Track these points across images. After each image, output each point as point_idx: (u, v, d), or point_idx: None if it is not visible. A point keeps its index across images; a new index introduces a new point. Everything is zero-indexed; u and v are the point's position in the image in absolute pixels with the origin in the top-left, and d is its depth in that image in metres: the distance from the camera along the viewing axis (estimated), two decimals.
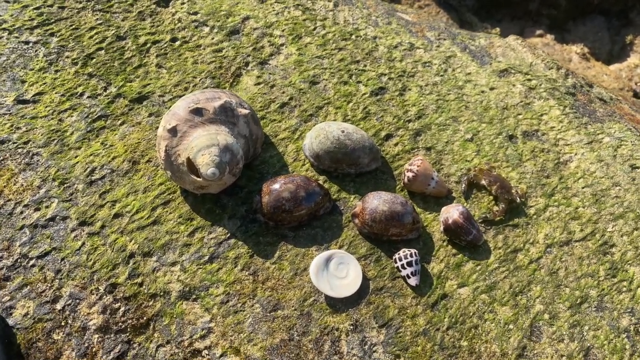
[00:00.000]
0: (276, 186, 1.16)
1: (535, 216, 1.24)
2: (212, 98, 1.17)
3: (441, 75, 1.50)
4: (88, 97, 1.32)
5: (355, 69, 1.47)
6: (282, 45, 1.50)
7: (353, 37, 1.56)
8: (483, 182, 1.25)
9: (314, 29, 1.55)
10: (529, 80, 1.52)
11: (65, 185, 1.19)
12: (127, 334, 1.05)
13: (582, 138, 1.40)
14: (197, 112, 1.14)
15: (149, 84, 1.36)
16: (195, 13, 1.52)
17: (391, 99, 1.42)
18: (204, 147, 1.09)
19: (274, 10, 1.57)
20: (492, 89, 1.48)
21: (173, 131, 1.13)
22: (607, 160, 1.36)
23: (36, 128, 1.26)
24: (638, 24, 3.41)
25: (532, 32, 3.33)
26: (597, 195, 1.29)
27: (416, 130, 1.36)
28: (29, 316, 1.05)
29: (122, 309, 1.07)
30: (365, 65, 1.48)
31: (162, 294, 1.09)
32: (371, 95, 1.42)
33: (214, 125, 1.14)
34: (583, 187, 1.30)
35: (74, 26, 1.43)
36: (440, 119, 1.39)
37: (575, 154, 1.36)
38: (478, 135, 1.37)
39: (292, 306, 1.08)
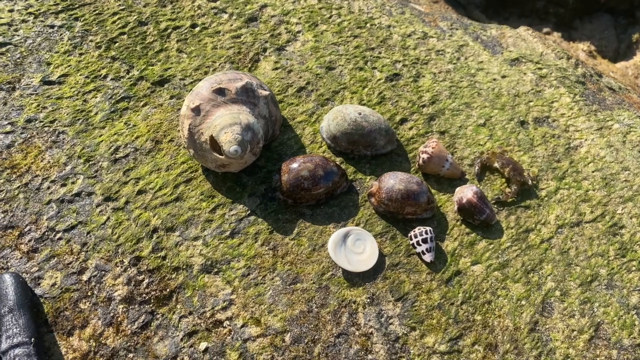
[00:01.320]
0: (295, 165, 1.19)
1: (546, 198, 1.28)
2: (234, 79, 1.21)
3: (454, 63, 1.53)
4: (111, 79, 1.36)
5: (370, 56, 1.50)
6: (298, 32, 1.53)
7: (368, 25, 1.59)
8: (496, 164, 1.28)
9: (330, 17, 1.59)
10: (540, 69, 1.55)
11: (91, 163, 1.23)
12: (151, 305, 1.08)
13: (592, 124, 1.43)
14: (220, 92, 1.18)
15: (170, 68, 1.40)
16: (215, 0, 1.56)
17: (405, 84, 1.45)
18: (227, 125, 1.13)
19: None
20: (503, 77, 1.52)
21: (196, 110, 1.16)
22: (617, 146, 1.39)
23: (62, 108, 1.30)
24: None
25: (539, 30, 3.35)
26: (607, 179, 1.32)
27: (430, 115, 1.39)
28: (56, 286, 1.08)
29: (146, 281, 1.10)
30: (380, 53, 1.52)
31: (184, 267, 1.12)
32: (386, 81, 1.45)
33: (236, 105, 1.18)
34: (593, 171, 1.33)
35: (97, 11, 1.47)
36: (453, 104, 1.42)
37: (585, 140, 1.39)
38: (490, 121, 1.40)
39: (311, 279, 1.12)
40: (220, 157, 1.15)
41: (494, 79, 1.50)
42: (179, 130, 1.27)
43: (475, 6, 3.42)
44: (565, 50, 1.63)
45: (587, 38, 3.39)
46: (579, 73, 1.59)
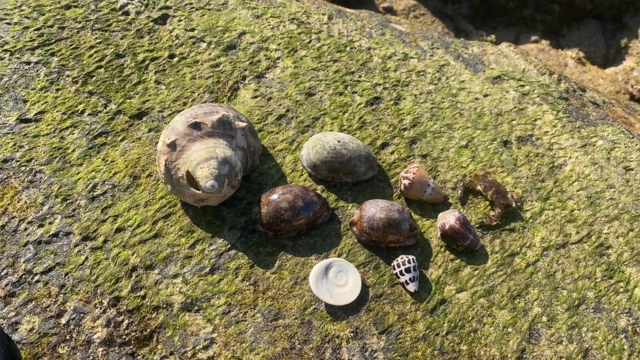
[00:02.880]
0: (274, 197, 1.18)
1: (531, 220, 1.26)
2: (209, 112, 1.20)
3: (435, 84, 1.52)
4: (89, 114, 1.35)
5: (350, 80, 1.50)
6: (278, 58, 1.53)
7: (347, 48, 1.58)
8: (479, 187, 1.27)
9: (309, 42, 1.58)
10: (522, 86, 1.54)
11: (68, 202, 1.21)
12: (131, 347, 1.06)
13: (575, 142, 1.42)
14: (196, 126, 1.16)
15: (148, 100, 1.39)
16: (192, 30, 1.55)
17: (386, 108, 1.44)
18: (203, 160, 1.12)
19: (269, 25, 1.60)
20: (485, 95, 1.50)
21: (172, 145, 1.15)
22: (601, 163, 1.37)
23: (38, 146, 1.28)
24: (632, 27, 3.43)
25: (527, 38, 3.36)
26: (592, 197, 1.31)
27: (412, 138, 1.38)
28: (34, 331, 1.06)
29: (126, 321, 1.08)
30: (360, 76, 1.51)
31: (164, 306, 1.10)
32: (366, 105, 1.44)
33: (212, 138, 1.17)
34: (578, 190, 1.32)
35: (73, 45, 1.46)
36: (435, 126, 1.41)
37: (570, 158, 1.38)
38: (473, 142, 1.39)
39: (293, 315, 1.10)
40: (198, 192, 1.14)
41: (476, 99, 1.49)
42: (156, 165, 1.25)
43: (462, 17, 3.42)
44: (547, 66, 1.62)
45: (576, 45, 3.39)
46: (562, 88, 1.57)
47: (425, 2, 3.37)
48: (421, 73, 1.55)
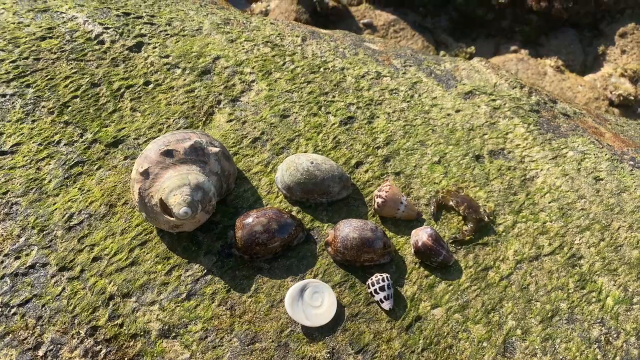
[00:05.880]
0: (249, 220, 1.19)
1: (504, 233, 1.28)
2: (182, 139, 1.21)
3: (408, 102, 1.55)
4: (65, 144, 1.36)
5: (324, 101, 1.52)
6: (252, 82, 1.55)
7: (321, 69, 1.61)
8: (451, 203, 1.29)
9: (283, 64, 1.61)
10: (494, 100, 1.57)
11: (45, 233, 1.22)
12: None
13: (546, 154, 1.44)
14: (168, 153, 1.18)
15: (123, 128, 1.41)
16: (167, 56, 1.58)
17: (360, 127, 1.47)
18: (176, 187, 1.13)
19: (243, 49, 1.63)
20: (457, 111, 1.53)
21: (145, 174, 1.17)
22: (572, 174, 1.40)
23: (15, 178, 1.29)
24: (609, 34, 3.50)
25: (507, 49, 3.41)
26: (564, 209, 1.33)
27: (385, 156, 1.40)
28: None
29: (104, 351, 1.09)
30: (334, 96, 1.54)
31: (142, 333, 1.11)
32: (340, 125, 1.46)
33: (185, 165, 1.18)
34: (550, 202, 1.34)
35: (49, 76, 1.48)
36: (408, 144, 1.44)
37: (541, 170, 1.41)
38: (445, 157, 1.41)
39: (270, 338, 1.11)
40: (172, 219, 1.15)
41: (448, 114, 1.52)
42: (131, 193, 1.26)
43: (441, 30, 3.47)
44: (518, 79, 1.65)
45: (555, 53, 3.43)
46: (533, 101, 1.61)
47: (404, 16, 3.41)
48: (394, 91, 1.57)
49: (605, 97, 3.19)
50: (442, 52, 3.31)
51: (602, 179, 1.39)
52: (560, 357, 1.10)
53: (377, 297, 1.14)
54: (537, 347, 1.11)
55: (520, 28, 3.50)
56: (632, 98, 3.13)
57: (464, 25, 3.63)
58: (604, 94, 3.22)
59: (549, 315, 1.16)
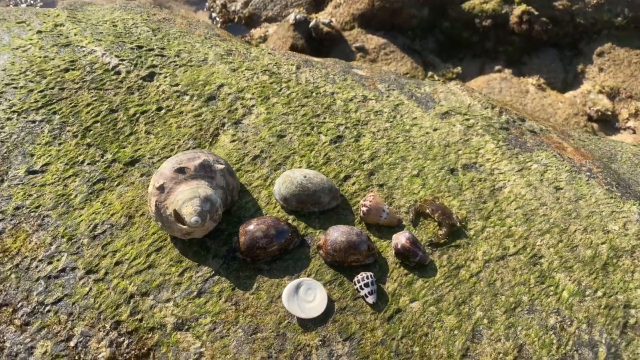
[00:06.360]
0: (250, 227, 1.37)
1: (474, 237, 1.46)
2: (192, 158, 1.40)
3: (391, 122, 1.74)
4: (88, 164, 1.55)
5: (317, 122, 1.71)
6: (252, 106, 1.74)
7: (314, 94, 1.81)
8: (427, 210, 1.47)
9: (280, 90, 1.80)
10: (467, 119, 1.77)
11: (73, 241, 1.40)
12: None
13: (513, 166, 1.63)
14: (180, 170, 1.37)
15: (139, 149, 1.60)
16: (177, 85, 1.77)
17: (348, 145, 1.66)
18: (187, 199, 1.32)
19: (244, 77, 1.83)
20: (435, 129, 1.72)
21: (161, 188, 1.35)
22: (535, 184, 1.58)
23: (45, 194, 1.48)
24: (587, 53, 3.71)
25: (491, 68, 3.62)
26: (527, 215, 1.51)
27: (370, 171, 1.59)
28: (47, 354, 1.24)
29: (126, 342, 1.26)
30: (325, 118, 1.73)
31: (159, 326, 1.28)
32: (331, 143, 1.65)
33: (195, 180, 1.37)
34: (515, 209, 1.52)
35: (72, 104, 1.67)
36: (390, 159, 1.62)
37: (508, 181, 1.59)
38: (423, 171, 1.60)
39: (270, 329, 1.28)
40: (184, 227, 1.33)
41: (427, 133, 1.71)
42: (148, 206, 1.45)
43: (429, 52, 3.69)
44: (490, 100, 1.85)
45: (536, 72, 3.64)
46: (503, 120, 1.80)
47: (394, 39, 3.64)
48: (378, 112, 1.77)
49: (584, 112, 3.40)
50: (430, 73, 3.52)
51: (561, 188, 1.58)
52: (521, 342, 1.27)
53: (362, 293, 1.32)
54: (501, 333, 1.29)
55: (504, 48, 3.72)
56: (610, 113, 3.33)
57: (451, 47, 3.85)
58: (583, 109, 3.42)
59: (512, 307, 1.33)
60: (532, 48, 3.81)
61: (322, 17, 3.78)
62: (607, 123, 3.36)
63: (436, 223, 1.48)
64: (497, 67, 3.70)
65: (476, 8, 3.61)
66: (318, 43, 3.50)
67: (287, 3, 3.97)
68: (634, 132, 3.19)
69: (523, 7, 3.50)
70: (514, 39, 3.77)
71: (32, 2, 4.49)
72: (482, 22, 3.59)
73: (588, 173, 1.63)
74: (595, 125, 3.28)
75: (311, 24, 3.57)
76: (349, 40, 3.48)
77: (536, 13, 3.53)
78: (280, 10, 3.89)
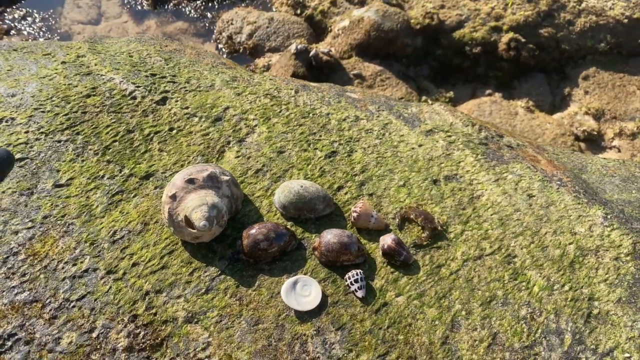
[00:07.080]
0: (253, 231, 1.54)
1: (454, 239, 1.62)
2: (201, 170, 1.58)
3: (380, 139, 1.92)
4: (107, 178, 1.73)
5: (313, 139, 1.90)
6: (255, 126, 1.93)
7: (310, 115, 2.00)
8: (412, 216, 1.64)
9: (280, 111, 2.00)
10: (450, 136, 1.94)
11: (95, 245, 1.57)
12: (147, 352, 1.39)
13: (490, 177, 1.80)
14: (191, 181, 1.55)
15: (153, 165, 1.78)
16: (187, 107, 1.97)
17: (341, 159, 1.83)
18: (197, 206, 1.49)
19: (248, 100, 2.02)
20: (420, 145, 1.90)
21: (173, 197, 1.53)
22: (510, 192, 1.75)
23: (70, 205, 1.66)
24: (573, 77, 3.91)
25: (482, 92, 3.82)
26: (503, 219, 1.67)
27: (361, 182, 1.76)
28: (72, 343, 1.39)
29: (142, 333, 1.42)
30: (320, 136, 1.91)
31: (171, 320, 1.44)
32: (325, 158, 1.83)
33: (203, 190, 1.54)
34: (491, 214, 1.69)
35: (94, 125, 1.87)
36: (379, 171, 1.80)
37: (486, 190, 1.76)
38: (409, 182, 1.77)
39: (270, 320, 1.43)
40: (194, 231, 1.50)
41: (412, 148, 1.89)
42: (161, 213, 1.62)
43: (423, 78, 3.90)
44: (471, 119, 2.03)
45: (525, 95, 3.84)
46: (482, 136, 1.98)
47: (390, 67, 3.87)
48: (369, 130, 1.95)
49: (571, 132, 3.57)
50: (424, 97, 3.73)
51: (534, 196, 1.74)
52: (495, 330, 1.42)
53: (352, 288, 1.48)
54: (477, 323, 1.43)
55: (494, 74, 3.92)
56: (596, 133, 3.50)
57: (444, 73, 4.06)
58: (570, 130, 3.59)
59: (487, 300, 1.48)
60: (521, 73, 4.02)
61: (321, 47, 4.02)
62: (594, 142, 3.53)
63: (420, 227, 1.64)
64: (487, 91, 3.91)
65: (466, 36, 3.83)
66: (318, 71, 3.72)
67: (289, 34, 4.22)
68: (619, 151, 3.36)
69: (510, 34, 3.72)
70: (503, 64, 3.98)
71: (49, 36, 4.78)
72: (472, 49, 3.81)
73: (559, 182, 1.80)
74: (582, 144, 3.45)
75: (311, 53, 3.81)
76: (347, 68, 3.70)
77: (523, 40, 3.74)
78: (283, 41, 4.14)
